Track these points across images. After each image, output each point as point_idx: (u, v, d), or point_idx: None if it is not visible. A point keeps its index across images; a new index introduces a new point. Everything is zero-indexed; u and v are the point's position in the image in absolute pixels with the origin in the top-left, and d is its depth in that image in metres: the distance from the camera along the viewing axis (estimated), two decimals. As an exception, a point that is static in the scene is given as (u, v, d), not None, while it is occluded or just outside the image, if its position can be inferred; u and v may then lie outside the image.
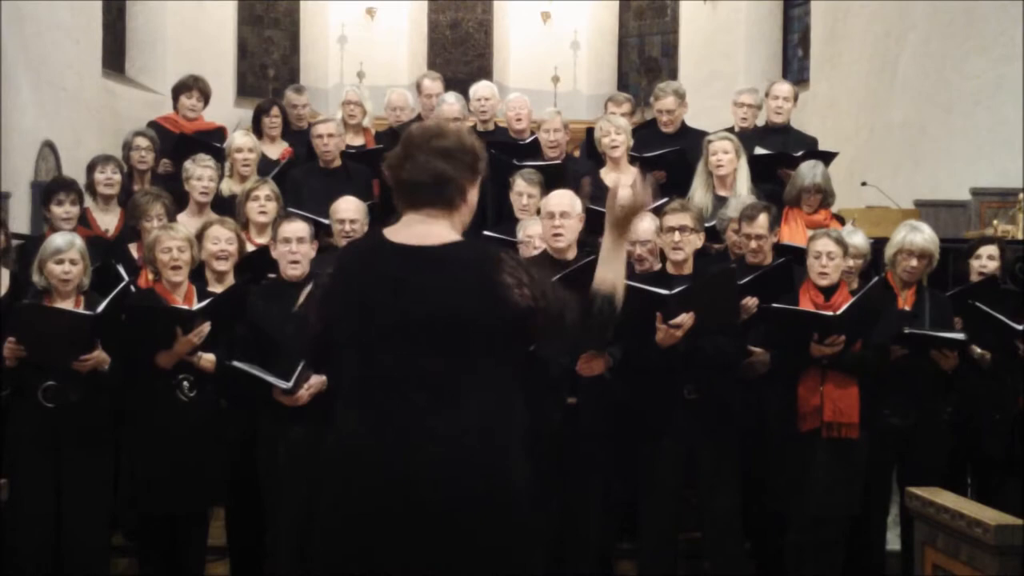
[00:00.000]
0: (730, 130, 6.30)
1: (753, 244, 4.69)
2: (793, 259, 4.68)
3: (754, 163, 5.84)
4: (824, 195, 5.35)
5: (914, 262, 4.57)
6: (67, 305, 4.20)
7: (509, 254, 2.62)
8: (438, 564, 2.45)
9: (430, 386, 2.49)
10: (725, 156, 5.56)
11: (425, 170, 2.57)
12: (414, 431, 2.46)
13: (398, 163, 2.61)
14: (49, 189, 5.30)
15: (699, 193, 5.60)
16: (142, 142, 5.99)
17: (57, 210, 5.09)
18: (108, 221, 5.52)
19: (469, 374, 2.50)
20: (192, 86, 6.66)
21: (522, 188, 5.37)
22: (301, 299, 3.72)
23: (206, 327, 4.17)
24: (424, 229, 2.58)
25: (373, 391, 2.52)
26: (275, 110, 6.66)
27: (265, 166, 6.15)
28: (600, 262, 2.71)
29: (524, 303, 2.52)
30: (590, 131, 6.28)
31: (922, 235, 4.61)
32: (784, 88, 6.53)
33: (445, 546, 2.45)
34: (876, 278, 4.56)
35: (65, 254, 4.19)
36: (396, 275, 2.52)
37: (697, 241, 4.44)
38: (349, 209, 4.94)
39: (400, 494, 2.44)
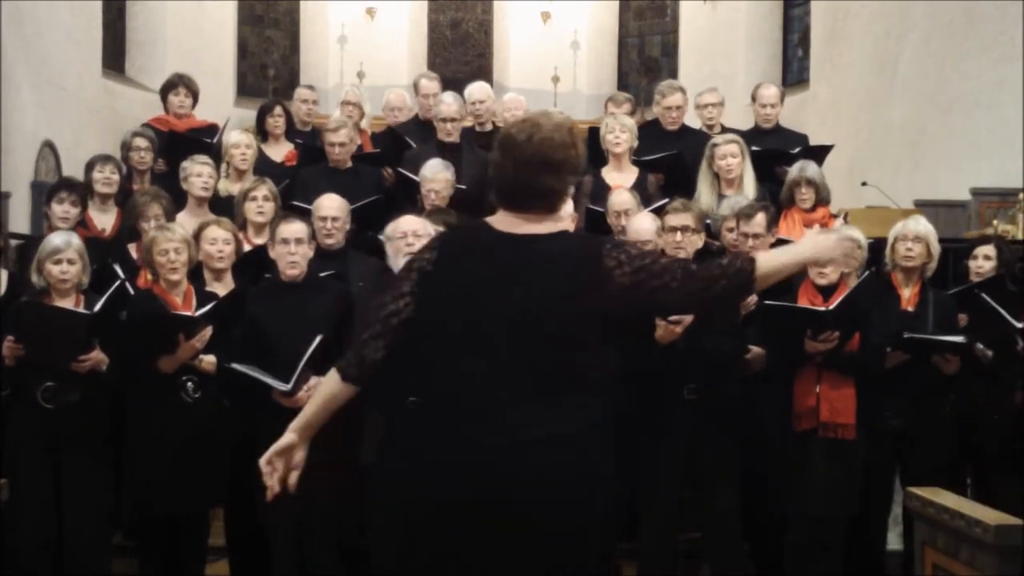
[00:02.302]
0: (694, 130, 6.32)
1: (750, 243, 4.69)
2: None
3: (752, 158, 5.84)
4: (817, 189, 5.37)
5: (910, 244, 4.58)
6: (66, 305, 4.20)
7: (610, 238, 2.65)
8: (523, 565, 2.45)
9: (533, 384, 2.46)
10: (734, 160, 5.57)
11: (533, 185, 2.56)
12: (516, 429, 2.44)
13: (503, 167, 2.59)
14: (52, 188, 5.31)
15: (705, 195, 5.60)
16: (141, 142, 5.99)
17: (56, 208, 5.09)
18: (105, 221, 5.52)
19: (573, 373, 2.49)
20: (178, 84, 6.67)
21: None
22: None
23: (208, 332, 4.17)
24: (527, 226, 2.58)
25: (466, 387, 2.48)
26: (278, 109, 6.66)
27: (268, 167, 6.14)
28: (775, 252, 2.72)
29: (625, 281, 2.50)
30: (592, 130, 6.28)
31: (917, 222, 4.67)
32: (770, 93, 6.51)
33: (531, 550, 2.44)
34: (867, 272, 4.57)
35: (63, 254, 4.18)
36: (509, 266, 2.50)
37: (698, 241, 4.45)
38: (332, 207, 4.94)
39: (492, 496, 2.42)
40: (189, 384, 4.26)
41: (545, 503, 2.43)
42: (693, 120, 6.65)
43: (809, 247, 2.66)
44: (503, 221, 2.59)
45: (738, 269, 2.54)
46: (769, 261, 2.59)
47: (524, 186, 2.56)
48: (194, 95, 6.71)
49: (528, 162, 2.55)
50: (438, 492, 2.48)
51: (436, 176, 5.42)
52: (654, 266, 2.53)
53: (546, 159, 2.55)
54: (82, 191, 5.28)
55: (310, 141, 6.71)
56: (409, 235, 4.12)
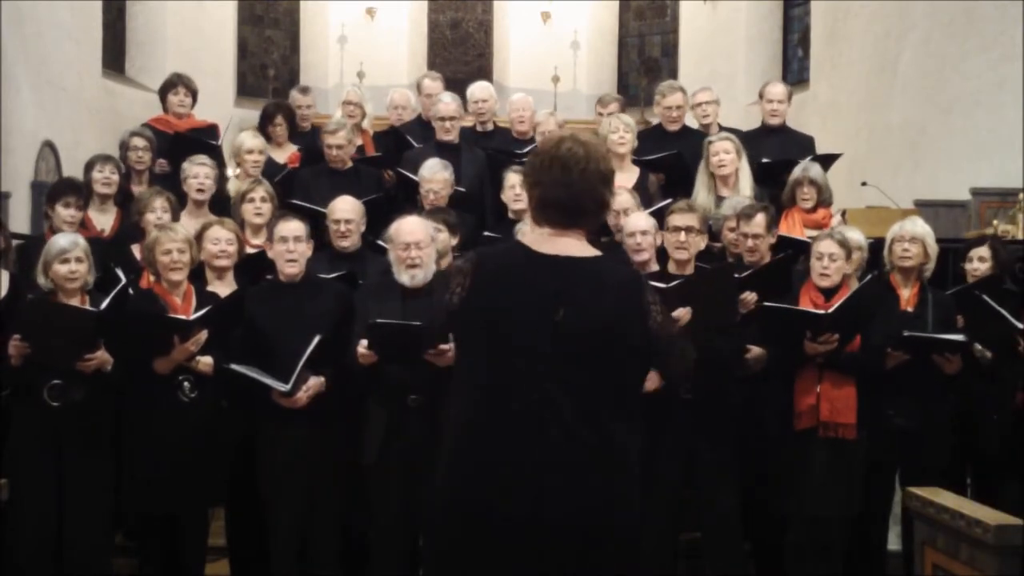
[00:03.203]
0: (694, 131, 6.31)
1: (750, 243, 4.69)
2: (793, 255, 4.68)
3: (760, 169, 5.84)
4: (819, 189, 5.37)
5: (906, 244, 4.58)
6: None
7: (643, 275, 2.72)
8: None
9: (570, 402, 2.47)
10: (727, 156, 5.56)
11: (594, 200, 2.59)
12: (556, 445, 2.45)
13: (564, 184, 2.56)
14: (56, 190, 5.27)
15: (702, 194, 5.59)
16: (139, 142, 5.97)
17: (63, 212, 5.07)
18: (104, 221, 5.51)
19: (610, 391, 2.51)
20: (177, 83, 6.66)
21: (513, 181, 5.35)
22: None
23: (203, 335, 4.16)
24: (566, 243, 2.58)
25: (508, 402, 2.48)
26: (279, 118, 6.64)
27: (272, 169, 6.13)
28: None
29: (654, 329, 2.57)
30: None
31: (914, 223, 4.67)
32: (778, 90, 6.50)
33: (564, 563, 2.45)
34: (869, 276, 4.57)
35: (70, 253, 4.19)
36: (550, 286, 2.51)
37: (701, 243, 4.45)
38: (346, 209, 4.93)
39: (526, 511, 2.44)
40: (185, 384, 4.25)
41: (577, 519, 2.45)
42: (692, 120, 6.64)
43: None
44: (539, 240, 2.59)
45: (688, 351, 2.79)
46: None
47: (586, 202, 2.58)
48: (193, 94, 6.70)
49: (591, 178, 2.57)
50: (471, 505, 2.49)
51: (434, 176, 5.41)
52: (668, 326, 2.66)
53: (602, 173, 2.59)
54: (85, 193, 5.28)
55: (311, 142, 6.71)
56: (412, 247, 4.12)
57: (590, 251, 2.60)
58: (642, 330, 2.56)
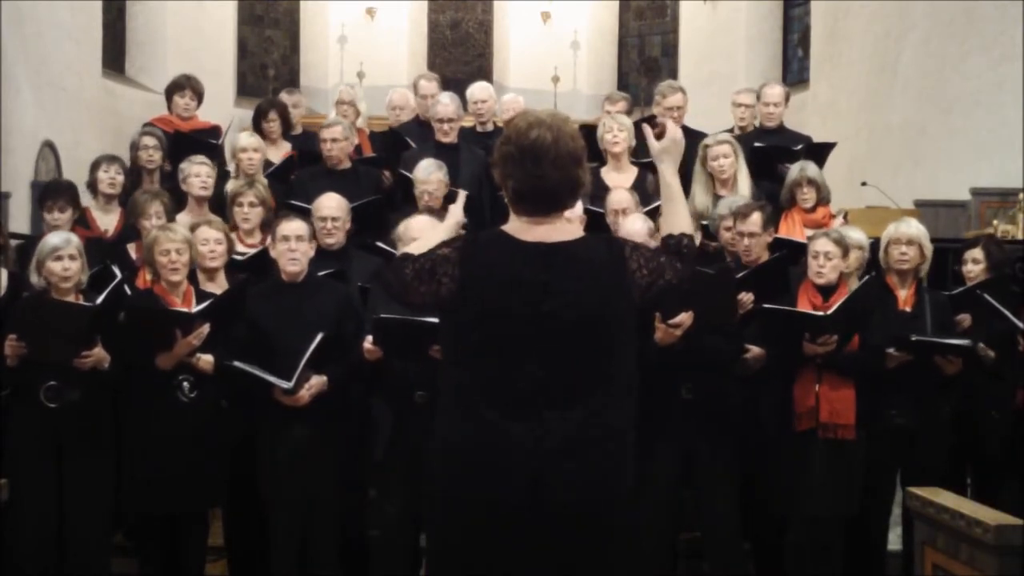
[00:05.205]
0: (729, 131, 6.30)
1: (746, 242, 4.68)
2: (789, 254, 4.68)
3: (753, 157, 5.83)
4: (817, 188, 5.37)
5: (903, 248, 4.58)
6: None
7: (628, 241, 2.68)
8: (559, 567, 2.46)
9: (568, 389, 2.48)
10: (726, 160, 5.56)
11: (569, 184, 2.57)
12: (549, 433, 2.46)
13: (527, 174, 2.53)
14: (43, 194, 5.26)
15: (699, 195, 5.59)
16: (149, 141, 5.94)
17: (48, 217, 5.09)
18: (108, 221, 5.50)
19: (602, 376, 2.52)
20: (184, 85, 6.62)
21: None
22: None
23: (205, 329, 4.17)
24: (547, 229, 2.57)
25: (498, 395, 2.49)
26: (272, 113, 6.61)
27: (268, 167, 6.12)
28: (664, 212, 2.80)
29: (644, 282, 2.57)
30: (585, 128, 6.26)
31: (909, 225, 4.66)
32: (774, 93, 6.52)
33: (567, 550, 2.46)
34: (867, 277, 4.57)
35: (63, 251, 4.18)
36: (538, 278, 2.50)
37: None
38: (331, 207, 4.94)
39: (527, 499, 2.44)
40: (185, 384, 4.25)
41: (580, 505, 2.47)
42: (695, 120, 6.64)
43: (673, 196, 2.80)
44: (522, 229, 2.57)
45: (689, 243, 2.72)
46: (685, 225, 2.73)
47: (561, 190, 2.56)
48: (199, 96, 6.67)
49: (564, 164, 2.54)
50: (472, 493, 2.50)
51: (429, 177, 5.41)
52: (660, 265, 2.62)
53: (574, 154, 2.57)
54: (72, 193, 5.24)
55: (303, 145, 6.70)
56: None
57: (572, 233, 2.59)
58: (628, 306, 2.56)
